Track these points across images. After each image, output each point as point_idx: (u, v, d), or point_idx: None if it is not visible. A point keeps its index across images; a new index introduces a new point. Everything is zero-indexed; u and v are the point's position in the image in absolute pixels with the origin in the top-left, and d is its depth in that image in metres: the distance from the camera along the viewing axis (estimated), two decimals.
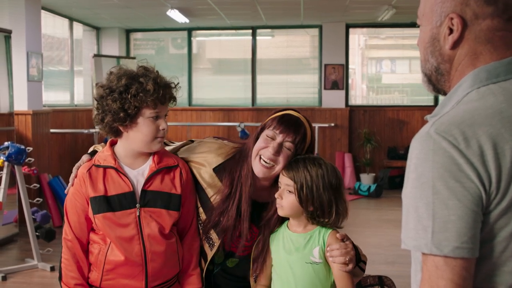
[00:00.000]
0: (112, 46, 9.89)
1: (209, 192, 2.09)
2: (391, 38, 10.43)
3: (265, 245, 2.01)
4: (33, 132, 6.72)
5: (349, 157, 9.43)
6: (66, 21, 8.83)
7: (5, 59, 6.55)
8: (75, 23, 9.05)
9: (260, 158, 1.97)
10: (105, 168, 2.03)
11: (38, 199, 5.41)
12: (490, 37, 1.17)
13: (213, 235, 2.07)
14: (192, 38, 10.24)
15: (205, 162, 2.12)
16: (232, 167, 2.07)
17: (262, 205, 2.06)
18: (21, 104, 6.65)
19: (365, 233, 6.32)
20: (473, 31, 1.18)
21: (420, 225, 1.08)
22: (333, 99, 9.62)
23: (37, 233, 5.21)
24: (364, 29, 10.08)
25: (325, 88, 9.65)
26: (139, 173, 2.05)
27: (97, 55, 8.76)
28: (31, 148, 5.49)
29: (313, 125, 2.11)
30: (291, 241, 1.94)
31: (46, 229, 5.36)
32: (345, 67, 9.64)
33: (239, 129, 8.62)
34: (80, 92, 9.30)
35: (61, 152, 7.91)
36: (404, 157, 8.98)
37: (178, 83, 2.09)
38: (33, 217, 5.25)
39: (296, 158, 1.94)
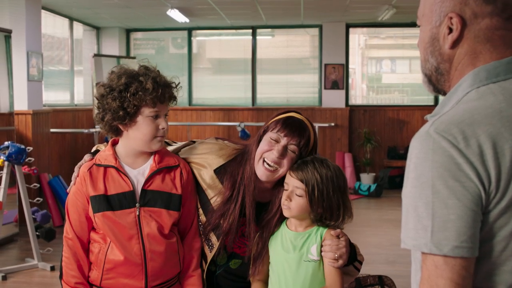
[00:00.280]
0: (112, 46, 9.89)
1: (209, 193, 2.09)
2: (391, 38, 10.43)
3: (264, 245, 2.00)
4: (33, 132, 6.72)
5: (349, 157, 9.43)
6: (66, 21, 8.83)
7: (5, 59, 6.55)
8: (75, 23, 9.05)
9: (264, 161, 1.96)
10: (105, 167, 2.03)
11: (38, 198, 5.41)
12: (489, 36, 1.18)
13: (213, 237, 2.07)
14: (192, 38, 10.24)
15: (205, 163, 2.11)
16: (234, 169, 2.06)
17: (262, 205, 2.06)
18: (21, 104, 6.66)
19: (365, 233, 6.32)
20: (472, 30, 1.18)
21: (419, 225, 1.08)
22: (333, 99, 9.62)
23: (37, 233, 5.22)
24: (364, 29, 10.08)
25: (325, 88, 9.65)
26: (139, 173, 2.05)
27: (97, 55, 8.77)
28: (31, 148, 5.49)
29: (314, 125, 2.10)
30: (289, 240, 1.94)
31: (46, 229, 5.36)
32: (345, 66, 9.64)
33: (239, 129, 8.62)
34: (80, 92, 9.30)
35: (61, 152, 7.91)
36: (404, 157, 8.98)
37: (179, 83, 2.09)
38: (33, 216, 5.25)
39: (304, 160, 1.93)
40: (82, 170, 2.05)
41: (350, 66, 9.94)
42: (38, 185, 5.70)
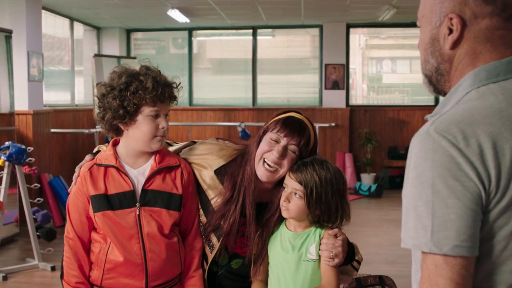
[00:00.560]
0: (113, 46, 9.90)
1: (210, 194, 2.08)
2: (392, 38, 10.44)
3: (264, 245, 2.00)
4: (34, 132, 6.73)
5: (349, 157, 9.43)
6: (66, 21, 8.83)
7: (5, 59, 6.55)
8: (75, 23, 9.05)
9: (264, 161, 1.95)
10: (106, 167, 2.03)
11: (38, 199, 5.42)
12: (489, 36, 1.18)
13: (213, 238, 2.07)
14: (192, 38, 10.24)
15: (206, 164, 2.11)
16: (234, 170, 2.06)
17: (263, 206, 2.06)
18: (21, 104, 6.66)
19: (365, 233, 6.33)
20: (472, 31, 1.18)
21: (419, 224, 1.08)
22: (334, 99, 9.62)
23: (37, 233, 5.22)
24: (365, 29, 10.08)
25: (325, 88, 9.66)
26: (140, 173, 2.05)
27: (98, 55, 8.77)
28: (31, 148, 5.49)
29: (314, 125, 2.10)
30: (288, 240, 1.95)
31: (46, 229, 5.36)
32: (346, 67, 9.64)
33: (239, 129, 8.63)
34: (80, 92, 9.31)
35: (61, 152, 7.91)
36: (404, 157, 8.97)
37: (180, 83, 2.09)
38: (34, 217, 5.26)
39: (303, 161, 1.92)
40: (82, 170, 2.05)
41: (351, 66, 9.94)
42: (39, 185, 5.71)
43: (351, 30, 9.80)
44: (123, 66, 2.06)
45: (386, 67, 10.35)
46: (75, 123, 8.51)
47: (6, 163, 5.03)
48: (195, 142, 2.24)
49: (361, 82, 10.45)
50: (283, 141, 1.94)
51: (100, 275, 2.02)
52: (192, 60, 10.23)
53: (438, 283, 1.07)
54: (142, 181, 2.03)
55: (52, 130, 7.32)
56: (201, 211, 2.10)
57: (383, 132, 9.66)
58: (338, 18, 9.20)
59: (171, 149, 2.20)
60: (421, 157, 1.10)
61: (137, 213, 2.00)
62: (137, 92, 1.95)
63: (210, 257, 2.08)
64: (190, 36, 10.18)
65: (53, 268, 5.03)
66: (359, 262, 1.99)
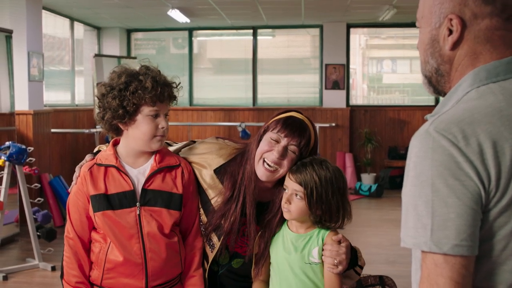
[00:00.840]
0: (113, 46, 9.90)
1: (210, 193, 2.08)
2: (392, 38, 10.44)
3: (266, 246, 2.00)
4: (34, 132, 6.73)
5: (350, 157, 9.43)
6: (67, 21, 8.84)
7: (6, 59, 6.55)
8: (76, 23, 9.05)
9: (264, 161, 1.95)
10: (106, 166, 2.03)
11: (39, 199, 5.42)
12: (489, 36, 1.18)
13: (214, 238, 2.07)
14: (193, 38, 10.24)
15: (205, 163, 2.11)
16: (234, 169, 2.06)
17: (263, 205, 2.06)
18: (22, 104, 6.66)
19: (366, 233, 6.33)
20: (472, 31, 1.18)
21: (419, 223, 1.09)
22: (334, 99, 9.62)
23: (38, 233, 5.22)
24: (365, 29, 10.08)
25: (326, 88, 9.66)
26: (140, 172, 2.05)
27: (98, 55, 8.77)
28: (32, 148, 5.49)
29: (315, 124, 2.10)
30: (291, 242, 1.94)
31: (47, 229, 5.37)
32: (346, 67, 9.64)
33: (240, 129, 8.63)
34: (81, 92, 9.31)
35: (62, 152, 7.91)
36: (405, 157, 8.95)
37: (179, 83, 2.09)
38: (34, 217, 5.26)
39: (303, 162, 1.92)
40: (83, 169, 2.05)
41: (351, 66, 9.94)
42: (39, 185, 5.71)
43: (352, 30, 9.80)
44: (123, 66, 2.06)
45: (387, 67, 10.35)
46: (75, 123, 8.52)
47: (7, 163, 5.03)
48: (194, 142, 2.24)
49: (361, 82, 10.45)
50: (284, 141, 1.94)
51: (100, 275, 2.02)
52: (193, 60, 10.23)
53: (438, 282, 1.07)
54: (142, 180, 2.03)
55: (53, 130, 7.32)
56: (202, 211, 2.10)
57: (383, 132, 9.66)
58: (339, 18, 9.20)
59: (170, 149, 2.20)
60: (421, 156, 1.10)
61: (137, 212, 2.00)
62: (136, 91, 1.95)
63: (211, 256, 2.08)
64: (191, 36, 10.18)
65: (53, 268, 5.03)
66: (361, 267, 1.98)
